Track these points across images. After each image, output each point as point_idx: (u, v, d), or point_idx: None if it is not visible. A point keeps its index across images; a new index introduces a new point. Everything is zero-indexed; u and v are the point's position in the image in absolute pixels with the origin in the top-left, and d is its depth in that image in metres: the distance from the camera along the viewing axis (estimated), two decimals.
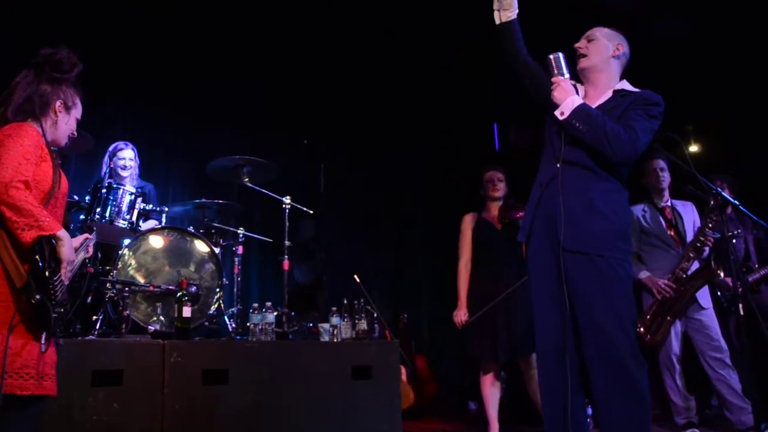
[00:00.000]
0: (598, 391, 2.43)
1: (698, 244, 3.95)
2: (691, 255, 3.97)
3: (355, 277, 4.83)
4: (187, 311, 3.27)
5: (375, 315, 5.07)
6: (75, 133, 2.50)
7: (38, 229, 2.08)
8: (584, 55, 2.68)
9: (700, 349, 3.94)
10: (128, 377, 2.96)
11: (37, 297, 2.06)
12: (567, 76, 2.59)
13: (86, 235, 2.66)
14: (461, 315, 3.99)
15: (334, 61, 5.69)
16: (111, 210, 3.75)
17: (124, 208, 3.80)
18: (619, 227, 2.52)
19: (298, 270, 5.44)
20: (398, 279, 6.38)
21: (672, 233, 4.16)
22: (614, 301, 2.42)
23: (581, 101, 2.54)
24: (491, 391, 3.94)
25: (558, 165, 2.56)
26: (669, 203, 4.23)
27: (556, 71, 2.58)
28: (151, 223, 4.14)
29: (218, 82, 5.46)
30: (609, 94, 2.64)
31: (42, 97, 2.32)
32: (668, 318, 4.03)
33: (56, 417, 2.73)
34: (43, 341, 2.12)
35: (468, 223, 4.17)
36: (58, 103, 2.35)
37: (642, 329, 4.09)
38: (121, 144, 4.50)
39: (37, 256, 2.09)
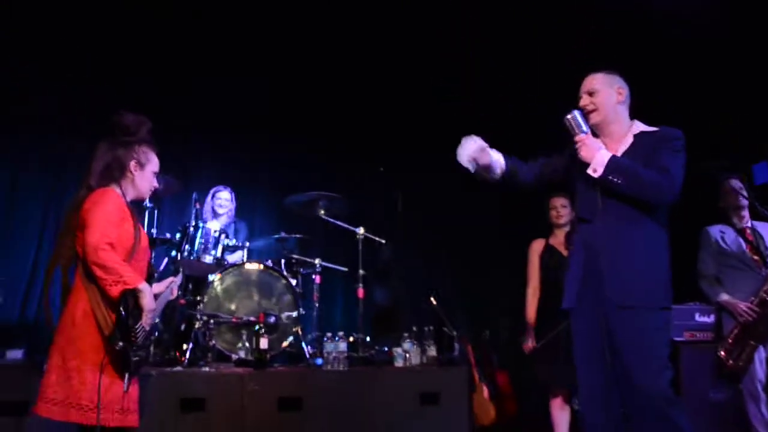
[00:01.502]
0: None
1: None
2: None
3: (432, 299, 4.96)
4: (264, 343, 3.55)
5: (454, 334, 5.19)
6: (156, 184, 2.78)
7: (123, 284, 2.39)
8: (594, 110, 2.67)
9: None
10: (211, 404, 3.27)
11: (120, 344, 2.37)
12: (587, 131, 2.60)
13: (170, 279, 2.98)
14: (529, 341, 4.05)
15: (410, 89, 5.85)
16: (198, 247, 4.12)
17: (210, 244, 4.17)
18: (661, 276, 2.53)
19: (379, 292, 5.65)
20: (480, 296, 6.43)
21: (754, 255, 3.99)
22: (646, 350, 2.44)
23: (610, 154, 2.54)
24: (559, 415, 3.98)
25: (595, 218, 2.58)
26: (749, 224, 4.07)
27: (576, 130, 2.60)
28: (236, 256, 4.49)
29: (296, 121, 5.80)
30: (630, 138, 2.64)
31: (118, 161, 2.62)
32: (751, 342, 3.89)
33: None
34: (125, 381, 2.42)
35: (535, 249, 4.21)
36: (132, 164, 2.64)
37: (723, 353, 3.99)
38: (220, 187, 4.99)
39: (121, 308, 2.40)
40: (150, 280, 2.72)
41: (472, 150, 2.66)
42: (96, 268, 2.39)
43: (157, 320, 4.11)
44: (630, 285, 2.48)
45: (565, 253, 4.09)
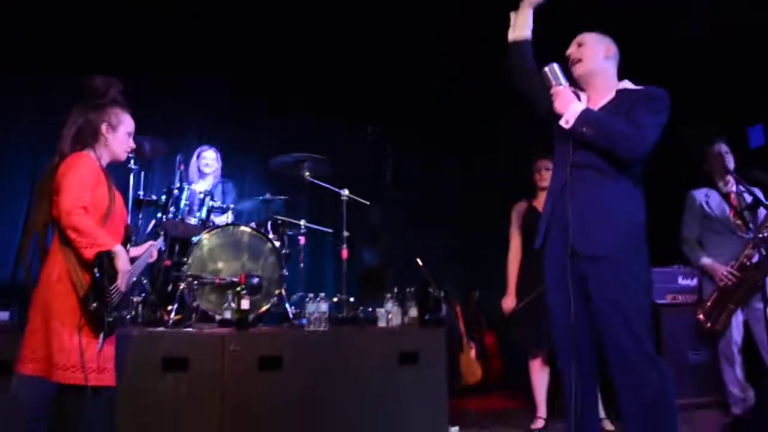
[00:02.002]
0: (620, 403, 2.47)
1: (765, 232, 3.81)
2: (757, 242, 3.84)
3: (418, 260, 5.00)
4: (245, 304, 3.60)
5: (442, 294, 5.25)
6: (132, 145, 2.79)
7: (97, 246, 2.45)
8: (579, 60, 2.70)
9: (759, 340, 3.82)
10: (193, 364, 3.34)
11: (94, 305, 2.43)
12: (565, 84, 2.60)
13: (150, 242, 3.02)
14: (509, 302, 4.09)
15: (400, 48, 5.78)
16: (183, 208, 4.16)
17: (195, 206, 4.20)
18: (631, 229, 2.52)
19: (368, 252, 5.70)
20: (471, 257, 6.48)
21: (737, 219, 4.00)
22: (624, 307, 2.43)
23: (584, 106, 2.55)
24: (539, 377, 4.06)
25: (567, 169, 2.59)
26: (734, 188, 4.06)
27: (553, 82, 2.60)
28: (224, 218, 4.53)
29: (286, 78, 5.75)
30: (612, 93, 2.65)
31: (90, 124, 2.65)
32: (730, 306, 3.95)
33: (132, 398, 3.15)
34: (100, 341, 2.48)
35: (518, 212, 4.23)
36: (104, 126, 2.66)
37: (702, 317, 4.05)
38: (205, 146, 5.01)
39: (95, 269, 2.45)
40: (127, 243, 2.76)
41: None
42: (70, 232, 2.44)
43: (144, 281, 4.21)
44: (596, 235, 2.49)
45: None
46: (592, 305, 2.53)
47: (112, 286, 2.49)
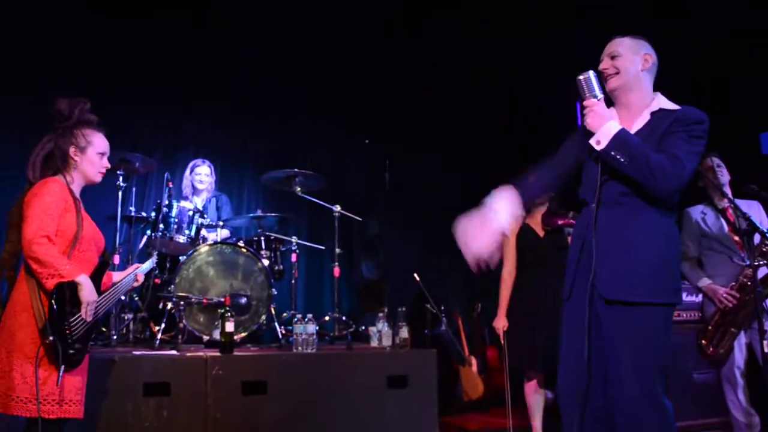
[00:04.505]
0: None
1: (764, 249, 3.65)
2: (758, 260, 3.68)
3: (415, 275, 4.91)
4: (229, 326, 3.53)
5: (441, 310, 5.16)
6: (106, 165, 2.71)
7: (59, 277, 2.39)
8: (615, 73, 2.41)
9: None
10: (175, 388, 3.29)
11: (50, 338, 2.37)
12: (600, 97, 2.33)
13: (135, 265, 2.98)
14: (500, 323, 3.98)
15: (397, 59, 5.69)
16: (171, 226, 4.12)
17: (184, 224, 4.16)
18: (663, 267, 2.28)
19: (366, 266, 5.62)
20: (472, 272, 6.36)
21: (735, 236, 3.84)
22: (642, 356, 2.22)
23: (619, 127, 2.26)
24: (535, 399, 3.93)
25: (593, 205, 2.34)
26: (731, 203, 3.89)
27: (587, 93, 2.33)
28: (216, 235, 4.47)
29: (282, 89, 5.68)
30: (647, 116, 2.38)
31: (59, 149, 2.59)
32: (732, 330, 3.80)
33: (112, 423, 3.13)
34: (60, 374, 2.41)
35: (512, 229, 4.09)
36: (72, 149, 2.60)
37: (704, 341, 3.92)
38: (198, 161, 4.94)
39: (53, 301, 2.38)
40: (104, 269, 2.72)
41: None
42: (32, 262, 2.39)
43: (136, 298, 4.18)
44: (623, 278, 2.25)
45: (541, 233, 3.99)
46: (607, 352, 2.30)
47: (75, 318, 2.44)
